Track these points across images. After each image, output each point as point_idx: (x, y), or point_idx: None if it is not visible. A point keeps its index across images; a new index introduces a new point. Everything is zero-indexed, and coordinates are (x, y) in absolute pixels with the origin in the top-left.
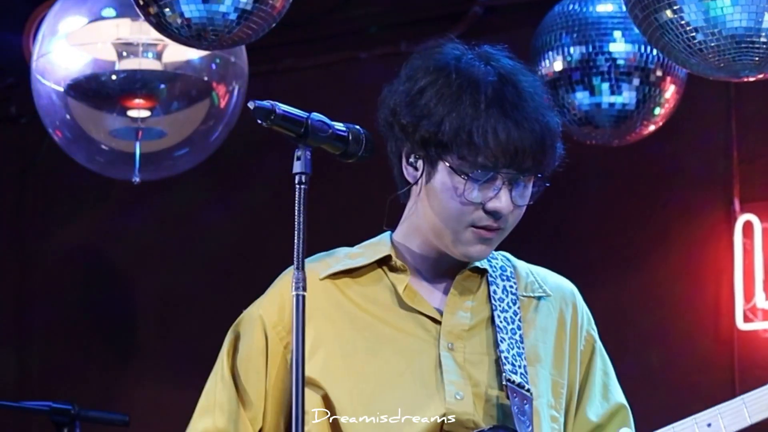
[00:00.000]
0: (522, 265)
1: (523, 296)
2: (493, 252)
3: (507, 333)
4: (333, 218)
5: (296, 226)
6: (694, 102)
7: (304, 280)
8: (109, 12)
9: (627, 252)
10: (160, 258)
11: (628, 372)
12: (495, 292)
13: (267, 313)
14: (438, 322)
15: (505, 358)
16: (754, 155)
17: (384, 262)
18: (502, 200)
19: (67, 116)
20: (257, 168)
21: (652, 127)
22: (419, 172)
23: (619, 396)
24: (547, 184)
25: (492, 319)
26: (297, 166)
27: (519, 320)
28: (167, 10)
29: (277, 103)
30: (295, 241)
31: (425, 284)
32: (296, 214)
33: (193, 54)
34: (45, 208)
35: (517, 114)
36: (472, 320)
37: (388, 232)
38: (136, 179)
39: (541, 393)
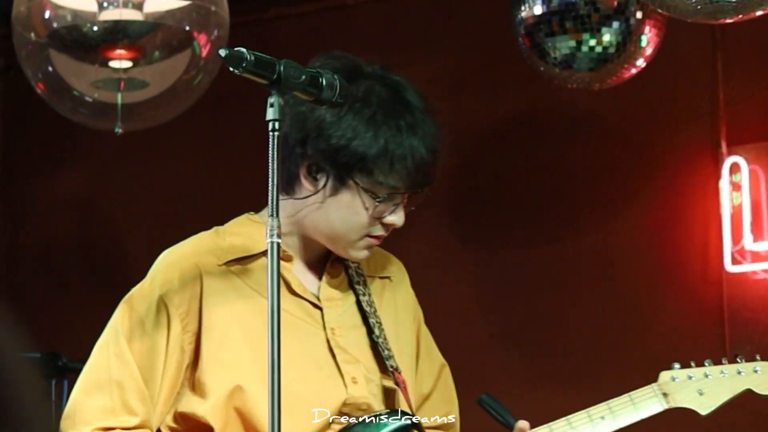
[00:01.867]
0: None
1: (369, 276)
2: None
3: (373, 317)
4: None
5: (270, 173)
6: (678, 44)
7: (279, 227)
8: None
9: (614, 196)
10: (148, 207)
11: (618, 317)
12: (353, 276)
13: (168, 294)
14: (318, 308)
15: (382, 342)
16: (741, 97)
17: None
18: (399, 215)
19: (49, 68)
20: (240, 115)
21: (633, 71)
22: (321, 184)
23: (438, 357)
24: (428, 194)
25: (358, 303)
26: (270, 113)
27: (374, 303)
28: None
29: (249, 50)
30: (270, 187)
31: (302, 271)
32: (270, 161)
33: (174, 3)
34: (33, 161)
35: (426, 138)
36: (344, 306)
37: (256, 216)
38: (119, 130)
39: (407, 373)
